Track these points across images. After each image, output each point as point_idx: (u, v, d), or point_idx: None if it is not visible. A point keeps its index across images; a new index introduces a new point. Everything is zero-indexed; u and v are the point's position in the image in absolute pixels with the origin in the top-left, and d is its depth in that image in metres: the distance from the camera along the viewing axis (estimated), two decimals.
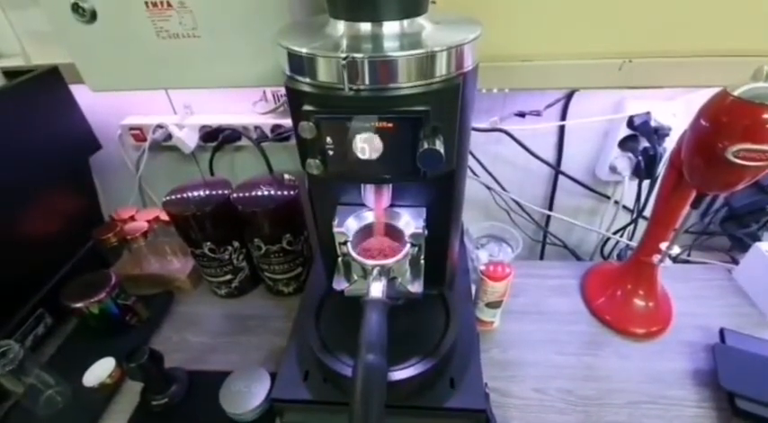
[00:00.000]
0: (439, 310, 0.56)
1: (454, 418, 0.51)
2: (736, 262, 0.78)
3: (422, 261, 0.49)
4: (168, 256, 0.81)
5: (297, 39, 0.37)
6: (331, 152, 0.37)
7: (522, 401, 0.58)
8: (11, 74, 0.67)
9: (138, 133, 0.82)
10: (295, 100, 0.37)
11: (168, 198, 0.68)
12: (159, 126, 0.80)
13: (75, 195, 0.79)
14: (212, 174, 0.87)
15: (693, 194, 0.54)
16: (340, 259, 0.50)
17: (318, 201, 0.51)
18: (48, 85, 0.68)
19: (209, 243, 0.69)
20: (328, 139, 0.36)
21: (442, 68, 0.35)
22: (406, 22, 0.36)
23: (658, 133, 0.72)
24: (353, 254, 0.45)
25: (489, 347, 0.65)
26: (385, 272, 0.45)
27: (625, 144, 0.75)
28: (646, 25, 0.52)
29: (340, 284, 0.50)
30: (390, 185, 0.44)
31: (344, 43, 0.35)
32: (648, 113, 0.71)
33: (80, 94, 0.72)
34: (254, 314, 0.74)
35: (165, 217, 0.78)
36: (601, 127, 0.77)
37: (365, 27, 0.36)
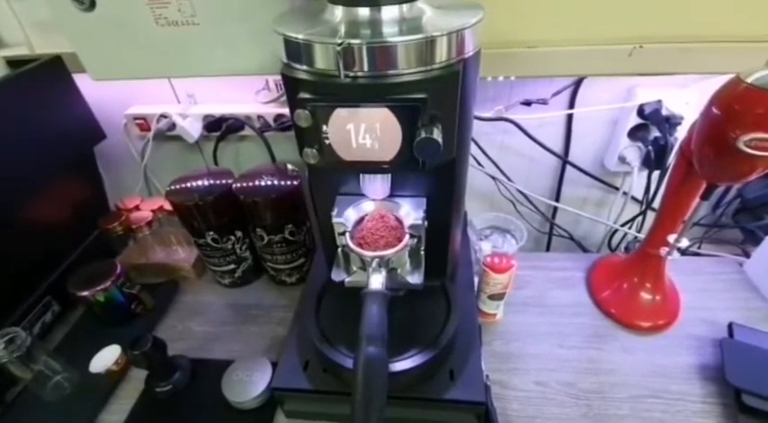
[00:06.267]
0: (440, 302, 0.56)
1: (453, 410, 0.51)
2: (747, 255, 0.76)
3: (422, 252, 0.49)
4: (173, 245, 0.82)
5: (294, 25, 0.36)
6: (327, 141, 0.36)
7: (524, 394, 0.58)
8: (15, 63, 0.67)
9: (143, 123, 0.82)
10: (291, 88, 0.36)
11: (171, 188, 0.69)
12: (163, 116, 0.80)
13: (80, 185, 0.79)
14: (216, 163, 0.87)
15: (703, 186, 0.52)
16: (339, 250, 0.50)
17: (318, 191, 0.50)
18: (51, 75, 0.68)
19: (211, 233, 0.69)
20: (324, 128, 0.36)
21: (441, 54, 0.34)
22: (405, 6, 0.35)
23: (670, 122, 0.70)
24: (351, 245, 0.45)
25: (492, 339, 0.65)
26: (384, 263, 0.45)
27: (635, 133, 0.73)
28: (657, 9, 0.50)
29: (339, 276, 0.50)
30: (389, 175, 0.44)
31: (342, 29, 0.35)
32: (660, 102, 0.69)
33: (84, 83, 0.72)
34: (257, 304, 0.74)
35: (169, 206, 0.79)
36: (610, 116, 0.75)
37: (363, 12, 0.35)
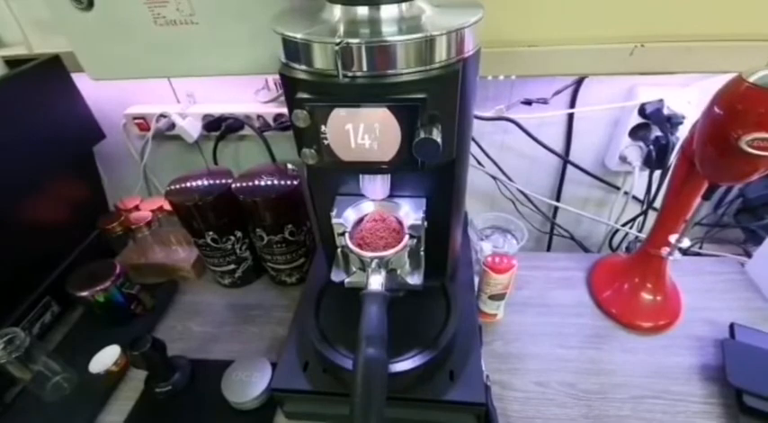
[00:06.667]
0: (440, 302, 0.56)
1: (453, 411, 0.51)
2: (749, 255, 0.76)
3: (422, 253, 0.49)
4: (173, 245, 0.82)
5: (292, 24, 0.36)
6: (326, 141, 0.36)
7: (524, 394, 0.57)
8: (13, 63, 0.67)
9: (142, 122, 0.82)
10: (289, 88, 0.36)
11: (170, 188, 0.68)
12: (162, 115, 0.79)
13: (79, 184, 0.79)
14: (216, 163, 0.87)
15: (705, 185, 0.52)
16: (339, 250, 0.49)
17: (317, 191, 0.50)
18: (49, 74, 0.68)
19: (211, 233, 0.69)
20: (323, 128, 0.35)
21: (440, 54, 0.34)
22: (404, 5, 0.35)
23: (671, 122, 0.70)
24: (351, 245, 0.45)
25: (492, 340, 0.65)
26: (383, 264, 0.44)
27: (636, 133, 0.73)
28: (659, 8, 0.49)
29: (339, 276, 0.49)
30: (388, 175, 0.43)
31: (341, 29, 0.34)
32: (661, 101, 0.68)
33: (83, 83, 0.72)
34: (257, 304, 0.74)
35: (169, 206, 0.79)
36: (611, 115, 0.75)
37: (362, 11, 0.35)
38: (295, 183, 0.67)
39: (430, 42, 0.33)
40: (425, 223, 0.46)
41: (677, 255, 0.60)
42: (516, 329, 0.66)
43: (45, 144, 0.68)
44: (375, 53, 0.32)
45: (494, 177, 0.82)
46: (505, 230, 0.73)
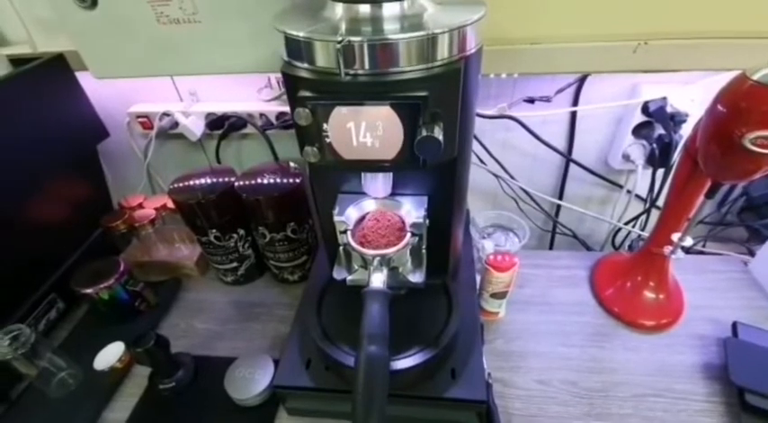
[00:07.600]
0: (441, 301, 0.56)
1: (455, 409, 0.51)
2: (752, 254, 0.75)
3: (423, 251, 0.49)
4: (176, 243, 0.82)
5: (294, 23, 0.36)
6: (328, 139, 0.36)
7: (526, 392, 0.58)
8: (17, 61, 0.68)
9: (146, 121, 0.82)
10: (291, 86, 0.36)
11: (173, 186, 0.69)
12: (166, 114, 0.80)
13: (84, 182, 0.80)
14: (219, 161, 0.88)
15: (708, 184, 0.51)
16: (341, 248, 0.50)
17: (319, 189, 0.50)
18: (53, 73, 0.68)
19: (214, 231, 0.69)
20: (325, 126, 0.36)
21: (442, 52, 0.34)
22: (406, 2, 0.35)
23: (674, 120, 0.69)
24: (353, 243, 0.45)
25: (494, 338, 0.65)
26: (385, 262, 0.45)
27: (639, 131, 0.73)
28: (662, 5, 0.49)
29: (341, 274, 0.50)
30: (390, 173, 0.43)
31: (343, 27, 0.34)
32: (664, 99, 0.68)
33: (87, 81, 0.72)
34: (260, 301, 0.74)
35: (172, 204, 0.79)
36: (614, 113, 0.75)
37: (364, 9, 0.35)
38: (297, 181, 0.68)
39: (432, 40, 0.33)
40: (427, 221, 0.46)
41: (680, 253, 0.60)
42: (518, 328, 0.66)
43: (49, 142, 0.68)
44: (377, 51, 0.32)
45: (496, 175, 0.82)
46: (507, 229, 0.73)
